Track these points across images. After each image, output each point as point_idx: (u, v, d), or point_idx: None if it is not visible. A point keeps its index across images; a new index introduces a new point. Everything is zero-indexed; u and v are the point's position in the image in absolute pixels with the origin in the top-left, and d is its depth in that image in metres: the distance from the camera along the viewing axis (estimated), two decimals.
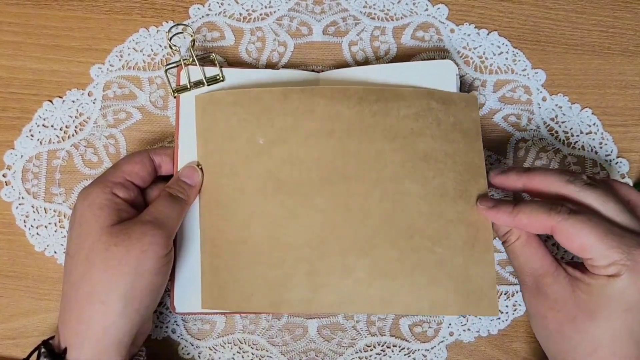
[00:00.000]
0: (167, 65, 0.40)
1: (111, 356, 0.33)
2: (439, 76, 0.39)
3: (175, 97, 0.39)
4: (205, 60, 0.40)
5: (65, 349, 0.33)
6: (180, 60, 0.39)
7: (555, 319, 0.33)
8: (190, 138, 0.39)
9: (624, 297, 0.31)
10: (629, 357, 0.32)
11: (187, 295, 0.39)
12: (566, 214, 0.32)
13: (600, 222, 0.31)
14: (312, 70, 0.42)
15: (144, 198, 0.38)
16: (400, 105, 0.37)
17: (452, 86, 0.39)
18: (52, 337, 0.35)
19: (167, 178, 0.38)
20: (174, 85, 0.40)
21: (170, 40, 0.40)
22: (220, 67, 0.40)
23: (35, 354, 0.34)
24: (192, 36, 0.40)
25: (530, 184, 0.35)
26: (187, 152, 0.39)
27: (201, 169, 0.38)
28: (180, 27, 0.40)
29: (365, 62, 0.43)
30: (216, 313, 0.41)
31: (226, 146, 0.38)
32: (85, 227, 0.34)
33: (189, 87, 0.39)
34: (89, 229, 0.34)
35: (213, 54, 0.40)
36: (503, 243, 0.36)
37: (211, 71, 0.40)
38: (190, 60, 0.39)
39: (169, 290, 0.40)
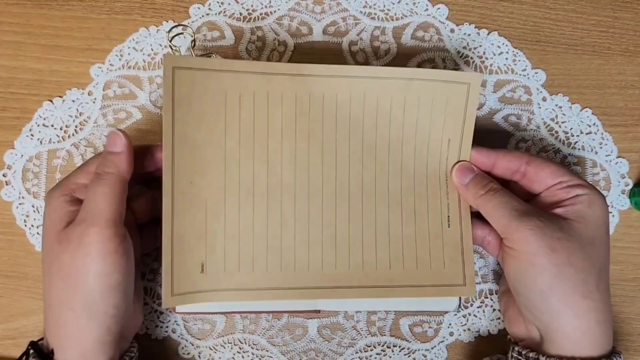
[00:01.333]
0: None
1: (97, 354, 0.32)
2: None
3: None
4: None
5: (53, 350, 0.33)
6: None
7: (565, 249, 0.33)
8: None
9: (596, 213, 0.34)
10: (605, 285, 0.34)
11: None
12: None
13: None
14: None
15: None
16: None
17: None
18: (42, 339, 0.35)
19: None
20: None
21: (170, 41, 0.40)
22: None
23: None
24: (192, 36, 0.40)
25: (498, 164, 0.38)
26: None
27: (124, 133, 0.34)
28: (181, 27, 0.40)
29: (365, 62, 0.43)
30: (218, 313, 0.41)
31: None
32: (45, 233, 0.34)
33: None
34: (46, 236, 0.33)
35: (213, 54, 0.40)
36: (487, 193, 0.36)
37: None
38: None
39: None
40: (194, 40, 0.40)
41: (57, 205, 0.33)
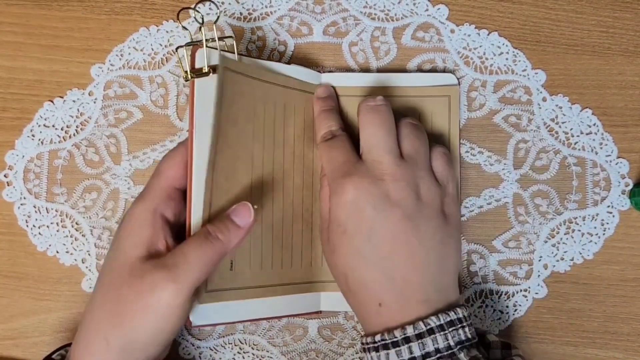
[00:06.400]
0: (187, 43, 0.35)
1: None
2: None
3: (189, 80, 0.34)
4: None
5: None
6: (202, 39, 0.34)
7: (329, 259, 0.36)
8: (206, 129, 0.34)
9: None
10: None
11: (204, 306, 0.34)
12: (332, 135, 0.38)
13: (348, 148, 0.36)
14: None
15: None
16: None
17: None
18: (69, 345, 0.34)
19: None
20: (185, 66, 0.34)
21: (202, 20, 0.35)
22: (239, 53, 0.37)
23: None
24: (217, 14, 0.35)
25: None
26: (203, 144, 0.34)
27: (256, 208, 0.34)
28: (209, 4, 0.35)
29: (365, 62, 0.43)
30: (236, 322, 0.40)
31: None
32: (118, 253, 0.32)
33: (205, 70, 0.34)
34: (119, 257, 0.31)
35: (232, 37, 0.36)
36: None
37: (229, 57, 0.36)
38: (211, 40, 0.34)
39: None
40: (217, 17, 0.36)
41: (140, 229, 0.31)
